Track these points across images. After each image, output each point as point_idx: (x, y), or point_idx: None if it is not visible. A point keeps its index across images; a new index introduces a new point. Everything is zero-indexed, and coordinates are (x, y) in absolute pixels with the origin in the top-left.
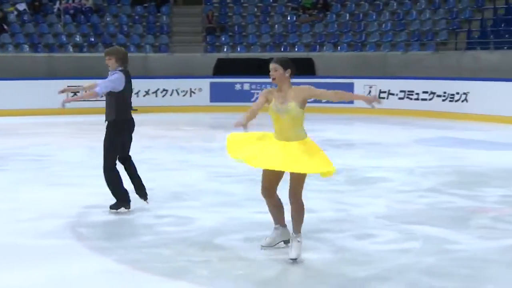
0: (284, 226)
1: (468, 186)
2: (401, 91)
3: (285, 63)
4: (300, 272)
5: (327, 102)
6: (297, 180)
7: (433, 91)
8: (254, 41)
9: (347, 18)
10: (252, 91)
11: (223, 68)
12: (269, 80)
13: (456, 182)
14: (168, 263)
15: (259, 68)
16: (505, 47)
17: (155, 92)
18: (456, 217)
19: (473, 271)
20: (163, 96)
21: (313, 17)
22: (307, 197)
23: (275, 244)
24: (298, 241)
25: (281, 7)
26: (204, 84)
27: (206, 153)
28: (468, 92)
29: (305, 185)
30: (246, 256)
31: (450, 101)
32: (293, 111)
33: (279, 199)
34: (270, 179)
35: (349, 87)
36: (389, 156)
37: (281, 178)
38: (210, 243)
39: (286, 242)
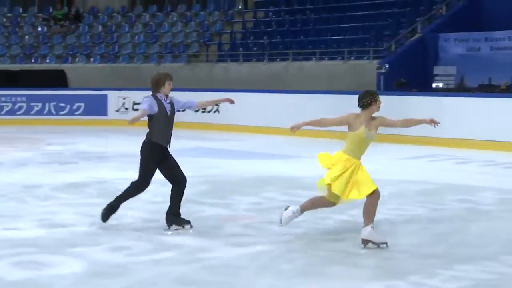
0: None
1: (220, 194)
2: None
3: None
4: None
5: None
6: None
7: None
8: (3, 52)
9: (100, 29)
10: (2, 104)
11: None
12: (21, 92)
13: (208, 191)
14: None
15: (8, 80)
16: (254, 59)
17: None
18: (208, 226)
19: (224, 278)
20: None
21: (64, 28)
22: (57, 211)
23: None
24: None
25: (31, 17)
26: None
27: None
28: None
29: (55, 200)
30: None
31: (202, 112)
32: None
33: None
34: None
35: (103, 99)
36: None
37: None
38: None
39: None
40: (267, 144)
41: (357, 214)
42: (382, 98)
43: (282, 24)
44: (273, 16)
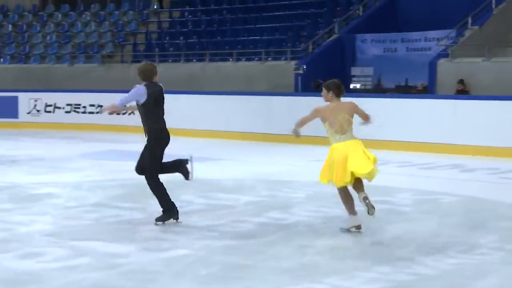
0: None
1: (135, 198)
2: (67, 104)
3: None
4: None
5: None
6: None
7: (101, 104)
8: None
9: (10, 29)
10: None
11: None
12: None
13: (123, 195)
14: None
15: None
16: (170, 60)
17: None
18: (123, 230)
19: (141, 283)
20: None
21: None
22: None
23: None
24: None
25: None
26: None
27: None
28: None
29: None
30: None
31: (117, 114)
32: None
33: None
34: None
35: (13, 101)
36: (56, 172)
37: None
38: None
39: (358, 227)
40: (185, 146)
41: (276, 217)
42: (300, 99)
43: (199, 24)
44: (189, 16)
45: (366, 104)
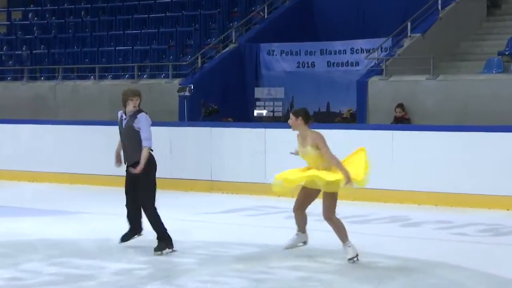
0: (304, 232)
1: None
2: None
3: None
4: None
5: None
6: (329, 200)
7: None
8: None
9: None
10: None
11: None
12: None
13: None
14: None
15: None
16: (9, 78)
17: None
18: None
19: None
20: None
21: None
22: None
23: (296, 246)
24: (349, 246)
25: None
26: None
27: None
28: None
29: None
30: None
31: None
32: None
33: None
34: (303, 199)
35: None
36: None
37: (312, 200)
38: None
39: (304, 243)
40: (28, 194)
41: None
42: (188, 130)
43: (47, 30)
44: (35, 19)
45: (275, 137)
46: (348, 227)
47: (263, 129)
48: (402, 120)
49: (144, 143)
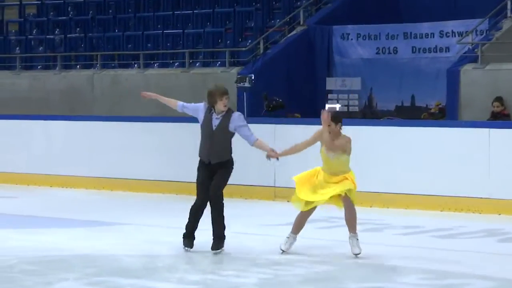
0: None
1: None
2: None
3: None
4: None
5: None
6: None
7: None
8: None
9: None
10: None
11: None
12: None
13: None
14: None
15: None
16: (39, 67)
17: None
18: None
19: None
20: None
21: None
22: None
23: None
24: (357, 239)
25: None
26: None
27: None
28: None
29: None
30: None
31: None
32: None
33: None
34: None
35: None
36: None
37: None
38: None
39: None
40: (56, 202)
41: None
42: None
43: (84, 10)
44: None
45: (351, 136)
46: (432, 242)
47: None
48: (500, 116)
49: (253, 137)
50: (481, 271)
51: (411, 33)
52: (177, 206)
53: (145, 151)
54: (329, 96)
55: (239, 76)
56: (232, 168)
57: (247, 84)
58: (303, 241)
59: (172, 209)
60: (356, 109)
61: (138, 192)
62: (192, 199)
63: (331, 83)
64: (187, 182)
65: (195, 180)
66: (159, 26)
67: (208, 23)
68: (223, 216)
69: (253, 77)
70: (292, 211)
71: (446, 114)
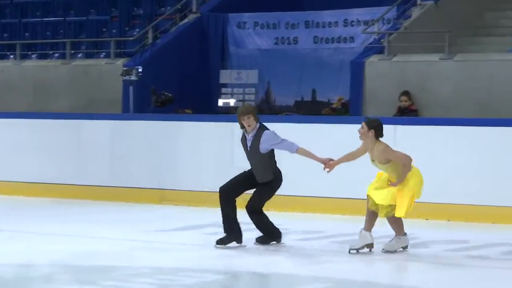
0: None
1: None
2: None
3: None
4: None
5: None
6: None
7: None
8: None
9: None
10: None
11: None
12: None
13: None
14: None
15: None
16: None
17: None
18: None
19: None
20: None
21: None
22: None
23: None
24: (399, 238)
25: None
26: None
27: None
28: None
29: None
30: None
31: None
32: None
33: None
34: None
35: None
36: None
37: None
38: None
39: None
40: None
41: None
42: (134, 125)
43: None
44: None
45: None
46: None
47: (229, 123)
48: (408, 112)
49: (294, 147)
50: None
51: (312, 21)
52: (55, 211)
53: (23, 149)
54: (223, 90)
55: (125, 68)
56: (277, 184)
57: (133, 77)
58: (194, 248)
59: (49, 214)
60: (253, 104)
61: (18, 195)
62: (75, 203)
63: (226, 76)
64: (67, 185)
65: (75, 182)
66: (37, 13)
67: (92, 10)
68: (263, 222)
69: (140, 70)
70: (182, 216)
71: (350, 110)
